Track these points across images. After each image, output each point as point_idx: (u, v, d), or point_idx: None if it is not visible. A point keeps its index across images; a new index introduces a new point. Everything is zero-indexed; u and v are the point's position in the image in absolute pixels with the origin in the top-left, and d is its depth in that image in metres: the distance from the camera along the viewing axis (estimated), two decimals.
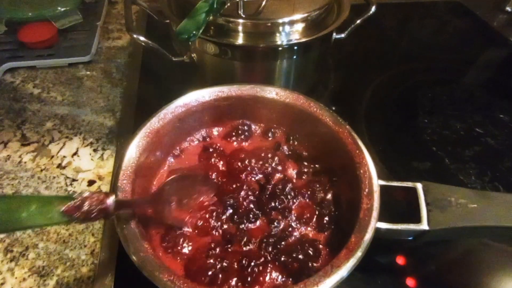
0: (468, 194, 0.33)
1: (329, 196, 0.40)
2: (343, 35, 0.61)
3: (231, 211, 0.38)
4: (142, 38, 0.51)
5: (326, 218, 0.38)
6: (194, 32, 0.42)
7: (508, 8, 0.90)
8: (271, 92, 0.44)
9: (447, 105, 0.65)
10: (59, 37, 0.70)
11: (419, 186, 0.34)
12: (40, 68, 0.66)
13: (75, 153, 0.53)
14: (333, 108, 0.64)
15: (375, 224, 0.31)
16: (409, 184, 0.35)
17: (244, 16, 0.52)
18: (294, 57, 0.57)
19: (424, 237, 0.33)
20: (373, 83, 0.67)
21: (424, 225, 0.32)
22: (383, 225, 0.32)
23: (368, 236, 0.30)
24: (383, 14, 0.81)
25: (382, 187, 0.35)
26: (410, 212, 0.34)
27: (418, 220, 0.32)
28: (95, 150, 0.53)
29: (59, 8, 0.70)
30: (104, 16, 0.79)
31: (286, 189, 0.40)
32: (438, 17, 0.88)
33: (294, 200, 0.40)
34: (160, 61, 0.64)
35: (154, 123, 0.39)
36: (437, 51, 0.77)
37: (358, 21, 0.61)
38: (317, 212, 0.39)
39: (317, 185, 0.40)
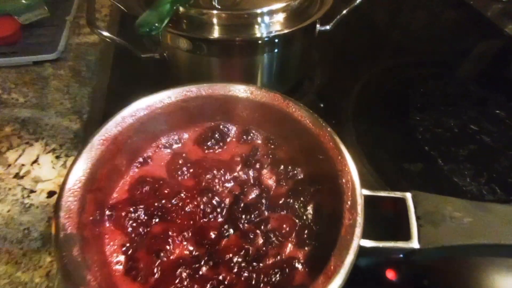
0: (464, 205, 0.29)
1: (310, 207, 0.36)
2: (328, 27, 0.57)
3: (199, 227, 0.34)
4: (105, 33, 0.46)
5: (307, 232, 0.34)
6: (156, 24, 0.38)
7: None
8: (246, 91, 0.39)
9: (440, 101, 0.61)
10: (23, 33, 0.64)
11: (408, 196, 0.30)
12: (2, 67, 0.61)
13: (35, 161, 0.48)
14: (321, 105, 0.61)
15: (358, 243, 0.27)
16: (397, 194, 0.31)
17: (218, 6, 0.48)
18: (276, 50, 0.52)
19: (415, 256, 0.29)
20: (362, 79, 0.63)
21: (414, 243, 0.28)
22: (368, 243, 0.28)
23: (350, 258, 0.26)
24: (372, 4, 0.76)
25: (367, 198, 0.31)
26: (399, 226, 0.30)
27: (407, 236, 0.29)
28: (57, 157, 0.48)
29: (23, 1, 0.64)
30: (75, 10, 0.73)
31: (263, 200, 0.36)
32: (429, 8, 0.84)
33: (272, 212, 0.36)
34: (132, 59, 0.59)
35: (111, 129, 0.34)
36: (429, 44, 0.73)
37: (344, 12, 0.57)
38: (297, 226, 0.35)
39: (298, 195, 0.36)
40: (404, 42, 0.73)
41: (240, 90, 0.39)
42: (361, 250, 0.28)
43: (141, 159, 0.39)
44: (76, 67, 0.63)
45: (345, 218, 0.29)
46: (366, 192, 0.31)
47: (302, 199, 0.36)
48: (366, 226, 0.29)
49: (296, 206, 0.36)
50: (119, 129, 0.35)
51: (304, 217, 0.35)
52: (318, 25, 0.56)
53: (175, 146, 0.41)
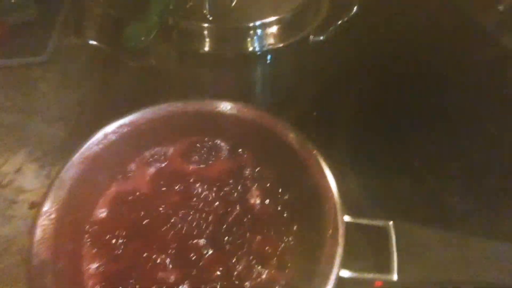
0: (447, 240, 0.28)
1: (294, 229, 0.35)
2: (322, 38, 0.56)
3: (180, 248, 0.34)
4: (92, 42, 0.45)
5: (289, 255, 0.34)
6: (143, 38, 0.37)
7: (500, 7, 0.85)
8: (233, 109, 0.39)
9: (434, 114, 0.60)
10: (11, 34, 0.63)
11: (390, 225, 0.30)
12: None
13: (18, 170, 0.47)
14: (314, 114, 0.61)
15: (336, 274, 0.27)
16: (379, 222, 0.31)
17: (210, 17, 0.47)
18: (268, 63, 0.51)
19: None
20: (355, 89, 0.62)
21: (393, 276, 0.28)
22: (347, 274, 0.28)
23: None
24: (367, 14, 0.75)
25: (349, 225, 0.31)
26: (381, 255, 0.30)
27: (388, 267, 0.28)
28: (41, 166, 0.48)
29: (11, 1, 0.63)
30: (66, 11, 0.72)
31: (246, 220, 0.36)
32: (427, 17, 0.83)
33: (255, 233, 0.35)
34: (125, 64, 0.58)
35: (92, 146, 0.34)
36: (426, 54, 0.72)
37: (339, 22, 0.56)
38: (280, 247, 0.34)
39: (282, 216, 0.36)
40: (399, 52, 0.72)
41: (227, 108, 0.38)
42: (339, 281, 0.28)
43: (123, 175, 0.38)
44: (66, 71, 0.62)
45: (326, 246, 0.29)
46: (348, 219, 0.31)
47: (286, 220, 0.36)
48: (347, 253, 0.29)
49: (280, 228, 0.36)
50: (101, 147, 0.34)
51: (287, 239, 0.35)
52: (311, 36, 0.55)
53: (159, 161, 0.40)
